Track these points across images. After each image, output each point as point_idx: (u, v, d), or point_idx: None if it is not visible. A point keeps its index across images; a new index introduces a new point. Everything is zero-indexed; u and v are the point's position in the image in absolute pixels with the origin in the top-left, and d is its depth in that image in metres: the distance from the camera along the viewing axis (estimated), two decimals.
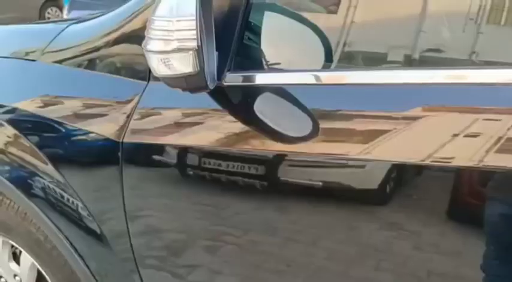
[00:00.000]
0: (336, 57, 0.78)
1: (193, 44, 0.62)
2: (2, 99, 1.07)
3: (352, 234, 0.71)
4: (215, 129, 0.81)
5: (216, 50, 0.74)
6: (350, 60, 0.81)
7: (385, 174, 0.66)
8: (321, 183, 0.72)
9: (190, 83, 0.68)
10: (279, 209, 0.79)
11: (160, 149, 0.86)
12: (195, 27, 0.61)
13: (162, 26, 0.64)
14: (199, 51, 0.63)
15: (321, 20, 0.82)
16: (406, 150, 0.64)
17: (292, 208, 0.77)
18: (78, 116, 0.95)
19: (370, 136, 0.66)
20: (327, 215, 0.73)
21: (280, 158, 0.75)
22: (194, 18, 0.61)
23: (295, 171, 0.75)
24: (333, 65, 0.78)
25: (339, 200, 0.73)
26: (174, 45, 0.62)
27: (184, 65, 0.64)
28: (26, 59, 1.08)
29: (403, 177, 0.67)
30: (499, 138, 0.58)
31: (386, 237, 0.68)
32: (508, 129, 0.57)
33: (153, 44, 0.65)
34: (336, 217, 0.73)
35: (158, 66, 0.67)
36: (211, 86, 0.70)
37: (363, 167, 0.69)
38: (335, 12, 0.81)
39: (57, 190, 1.00)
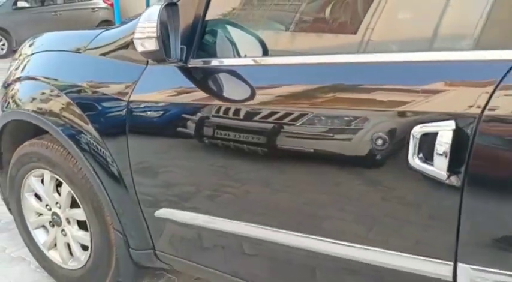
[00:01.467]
0: (258, 49, 1.27)
1: (155, 35, 1.14)
2: (60, 77, 1.62)
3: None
4: (185, 93, 1.31)
5: (184, 44, 1.26)
6: (269, 50, 1.28)
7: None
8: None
9: (155, 56, 1.22)
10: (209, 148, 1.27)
11: (151, 105, 1.36)
12: (155, 27, 1.14)
13: (141, 26, 1.17)
14: (159, 39, 1.15)
15: (254, 25, 1.32)
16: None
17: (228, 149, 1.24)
18: (105, 87, 1.48)
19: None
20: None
21: (227, 110, 1.22)
22: (156, 22, 1.15)
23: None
24: (259, 54, 1.27)
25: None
26: (146, 35, 1.15)
27: (151, 45, 1.17)
28: (76, 52, 1.63)
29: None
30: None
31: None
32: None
33: (136, 35, 1.19)
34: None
35: (138, 47, 1.21)
36: (169, 61, 1.22)
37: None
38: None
39: (94, 143, 1.51)
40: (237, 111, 1.21)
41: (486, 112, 0.86)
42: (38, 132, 1.72)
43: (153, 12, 1.14)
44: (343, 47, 1.22)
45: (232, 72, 1.27)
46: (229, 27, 1.31)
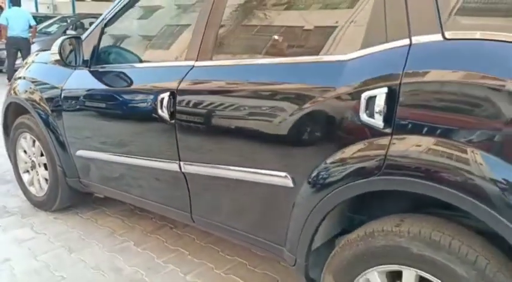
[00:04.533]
0: (128, 60, 2.33)
1: (57, 52, 2.25)
2: (36, 78, 2.75)
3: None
4: (88, 83, 2.38)
5: (88, 58, 2.34)
6: (141, 58, 2.32)
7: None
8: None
9: (61, 64, 2.34)
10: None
11: (72, 90, 2.44)
12: (58, 49, 2.25)
13: (53, 49, 2.27)
14: (60, 54, 2.25)
15: (126, 47, 2.39)
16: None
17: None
18: (53, 82, 2.59)
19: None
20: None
21: (110, 91, 2.28)
22: (58, 47, 2.26)
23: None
24: (128, 62, 2.32)
25: None
26: (56, 53, 2.26)
27: (55, 57, 2.28)
28: (44, 63, 2.75)
29: None
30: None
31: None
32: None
33: (52, 52, 2.30)
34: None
35: (55, 58, 2.30)
36: (76, 66, 2.30)
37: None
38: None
39: (47, 115, 2.61)
40: (115, 92, 2.25)
41: (403, 80, 1.26)
42: (26, 111, 2.86)
43: (57, 43, 2.24)
44: (178, 56, 2.21)
45: (113, 72, 2.33)
46: (112, 49, 2.38)
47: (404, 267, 1.35)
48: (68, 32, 11.00)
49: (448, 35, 1.25)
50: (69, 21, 11.16)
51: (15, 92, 2.91)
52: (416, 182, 1.26)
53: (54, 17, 12.57)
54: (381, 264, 1.39)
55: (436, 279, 1.29)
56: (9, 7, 8.21)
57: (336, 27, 1.53)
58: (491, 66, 1.17)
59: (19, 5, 8.49)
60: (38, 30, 11.00)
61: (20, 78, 2.94)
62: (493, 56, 1.18)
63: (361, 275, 1.45)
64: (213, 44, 1.82)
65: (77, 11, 16.27)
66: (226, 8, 1.81)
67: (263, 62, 1.70)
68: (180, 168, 1.94)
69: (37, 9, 17.15)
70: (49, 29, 10.87)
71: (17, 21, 8.08)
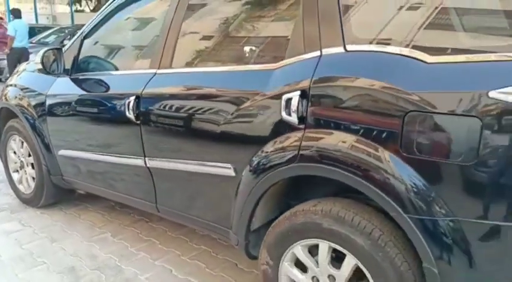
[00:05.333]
0: (104, 68, 2.62)
1: (40, 61, 2.55)
2: (24, 85, 3.03)
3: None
4: (69, 89, 2.66)
5: (69, 67, 2.63)
6: (115, 67, 2.61)
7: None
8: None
9: (44, 72, 2.61)
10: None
11: (55, 96, 2.72)
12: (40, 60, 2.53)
13: (36, 59, 2.56)
14: (42, 64, 2.53)
15: (102, 57, 2.68)
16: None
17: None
18: (38, 88, 2.87)
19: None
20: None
21: (87, 96, 2.56)
22: (41, 57, 2.54)
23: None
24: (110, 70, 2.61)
25: None
26: (38, 62, 2.55)
27: (39, 66, 2.56)
28: (32, 72, 3.03)
29: None
30: None
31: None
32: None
33: (36, 61, 2.59)
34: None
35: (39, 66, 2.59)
36: (58, 74, 2.58)
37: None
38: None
39: (34, 119, 2.88)
40: (91, 97, 2.54)
41: (312, 85, 1.54)
42: (15, 115, 3.14)
43: (40, 53, 2.53)
44: (144, 64, 2.49)
45: (91, 79, 2.61)
46: (90, 58, 2.67)
47: (319, 240, 1.62)
48: (65, 42, 11.37)
49: (348, 48, 1.54)
50: (66, 31, 11.49)
51: (6, 98, 3.19)
52: (324, 167, 1.53)
53: (53, 27, 12.94)
54: (302, 239, 1.66)
55: (342, 248, 1.56)
56: (9, 19, 8.57)
57: (268, 41, 1.81)
58: (380, 72, 1.45)
59: (21, 17, 8.88)
60: (36, 40, 11.42)
61: (11, 85, 3.22)
62: (381, 64, 1.46)
63: (288, 249, 1.72)
64: (172, 55, 2.10)
65: (76, 22, 16.63)
66: (183, 24, 2.10)
67: (210, 70, 1.98)
68: (145, 163, 2.21)
69: (37, 20, 17.54)
70: (47, 40, 11.20)
71: (23, 33, 8.50)
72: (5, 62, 9.07)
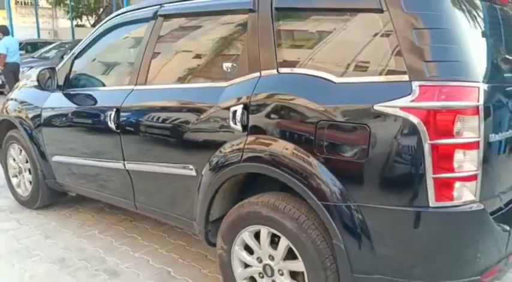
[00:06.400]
0: (92, 85, 3.00)
1: (36, 79, 2.93)
2: (23, 99, 3.42)
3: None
4: (62, 103, 3.04)
5: (61, 83, 3.01)
6: (101, 83, 2.99)
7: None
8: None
9: (40, 88, 2.99)
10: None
11: (50, 109, 3.11)
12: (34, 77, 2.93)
13: (32, 77, 2.95)
14: (38, 81, 2.92)
15: (90, 75, 3.07)
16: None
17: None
18: (35, 102, 3.25)
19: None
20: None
21: (78, 109, 2.94)
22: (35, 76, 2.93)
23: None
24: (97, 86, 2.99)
25: None
26: (34, 79, 2.94)
27: (34, 83, 2.95)
28: (30, 87, 3.42)
29: None
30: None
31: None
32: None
33: (32, 79, 2.99)
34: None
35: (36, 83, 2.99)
36: (53, 90, 2.98)
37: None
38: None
39: (31, 129, 3.26)
40: (80, 110, 2.91)
41: (252, 99, 1.93)
42: (15, 126, 3.51)
43: (36, 72, 2.91)
44: (124, 82, 2.86)
45: (80, 94, 2.98)
46: (80, 76, 3.05)
47: (260, 226, 1.98)
48: (65, 56, 11.80)
49: (280, 70, 1.92)
50: (66, 46, 11.95)
51: (6, 111, 3.57)
52: (261, 166, 1.90)
53: (54, 42, 13.43)
54: (247, 226, 2.02)
55: (277, 232, 1.92)
56: None
57: (222, 64, 2.19)
58: (301, 90, 1.82)
59: (9, 33, 9.26)
60: (38, 55, 11.90)
61: (11, 99, 3.61)
62: (302, 84, 1.83)
63: (238, 235, 2.07)
64: (147, 74, 2.49)
65: (76, 37, 17.17)
66: (155, 49, 2.49)
67: (177, 87, 2.38)
68: (125, 166, 2.58)
69: (39, 35, 18.09)
70: (48, 54, 11.67)
71: (14, 49, 8.92)
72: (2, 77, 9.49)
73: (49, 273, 2.62)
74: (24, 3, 27.39)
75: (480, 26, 1.73)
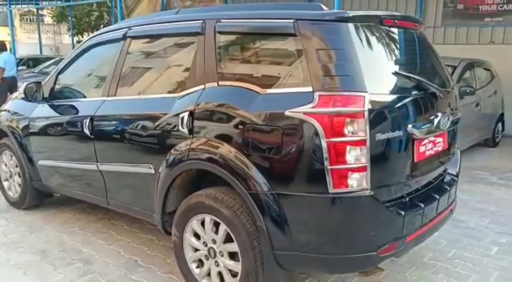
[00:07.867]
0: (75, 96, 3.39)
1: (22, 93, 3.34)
2: (14, 110, 3.80)
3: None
4: (47, 113, 3.43)
5: (47, 95, 3.41)
6: (80, 95, 3.38)
7: None
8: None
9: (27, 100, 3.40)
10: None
11: (37, 118, 3.49)
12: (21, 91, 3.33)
13: (20, 90, 3.35)
14: (25, 93, 3.33)
15: (73, 88, 3.46)
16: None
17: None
18: (24, 112, 3.64)
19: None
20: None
21: (62, 119, 3.33)
22: (23, 89, 3.33)
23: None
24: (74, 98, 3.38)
25: None
26: (21, 93, 3.34)
27: (21, 95, 3.35)
28: (20, 99, 3.81)
29: None
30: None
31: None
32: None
33: (20, 92, 3.38)
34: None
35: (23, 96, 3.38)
36: (39, 101, 3.37)
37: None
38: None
39: (20, 138, 3.64)
40: (62, 119, 3.29)
41: (196, 107, 2.33)
42: (6, 134, 3.89)
43: (23, 86, 3.30)
44: (98, 93, 3.25)
45: (63, 105, 3.37)
46: (63, 88, 3.44)
47: (204, 214, 2.34)
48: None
49: (219, 83, 2.30)
50: None
51: (0, 121, 3.96)
52: (201, 163, 2.27)
53: (54, 58, 13.96)
54: (195, 215, 2.38)
55: (217, 219, 2.28)
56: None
57: (176, 78, 2.58)
58: (234, 99, 2.20)
59: (6, 49, 9.74)
60: (38, 70, 12.40)
61: (4, 110, 4.00)
62: (235, 94, 2.22)
63: (188, 224, 2.43)
64: (116, 87, 2.88)
65: None
66: (124, 65, 2.88)
67: (139, 97, 2.77)
68: (98, 167, 2.95)
69: (41, 51, 18.62)
70: (47, 69, 12.15)
71: (11, 64, 9.40)
72: None
73: (31, 262, 2.97)
74: (30, 19, 28.17)
75: (374, 48, 2.12)
